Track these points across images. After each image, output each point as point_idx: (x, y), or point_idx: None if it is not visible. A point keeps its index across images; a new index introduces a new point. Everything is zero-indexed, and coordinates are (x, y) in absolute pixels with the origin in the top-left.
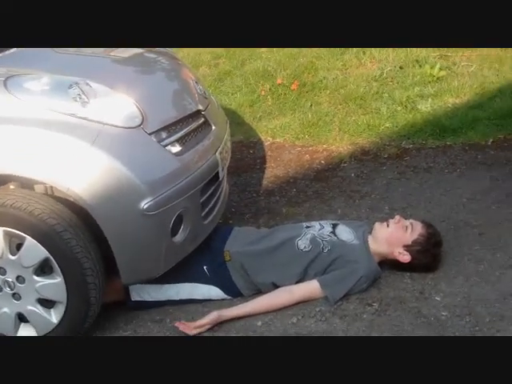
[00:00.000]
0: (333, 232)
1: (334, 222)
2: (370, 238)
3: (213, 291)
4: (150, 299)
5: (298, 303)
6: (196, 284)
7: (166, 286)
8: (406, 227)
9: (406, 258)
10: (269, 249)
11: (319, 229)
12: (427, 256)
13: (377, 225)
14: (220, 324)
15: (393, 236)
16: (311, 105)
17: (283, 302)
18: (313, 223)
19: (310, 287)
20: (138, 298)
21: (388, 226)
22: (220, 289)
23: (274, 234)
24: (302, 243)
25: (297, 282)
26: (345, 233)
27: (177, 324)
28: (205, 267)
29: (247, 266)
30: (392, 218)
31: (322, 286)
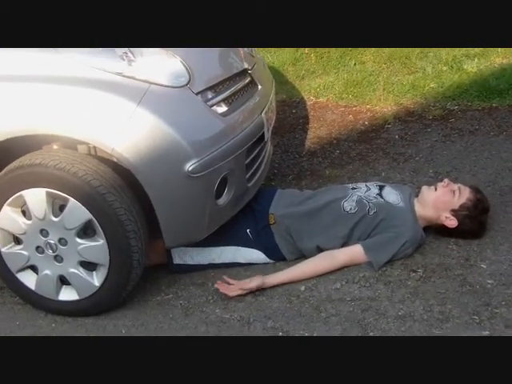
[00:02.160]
0: (379, 194)
1: (380, 183)
2: (416, 202)
3: (255, 255)
4: (192, 262)
5: (341, 268)
6: (239, 247)
7: (209, 248)
8: (454, 191)
9: (452, 222)
10: (313, 210)
11: (365, 190)
12: (474, 222)
13: (424, 188)
14: (262, 289)
15: (440, 200)
16: (355, 63)
17: (326, 267)
18: (359, 184)
19: (354, 251)
20: (180, 262)
21: (436, 189)
22: (263, 252)
23: (318, 195)
24: (348, 205)
25: (341, 246)
26: (391, 195)
27: (217, 285)
28: (248, 230)
29: (292, 229)
30: (440, 182)
31: (365, 251)
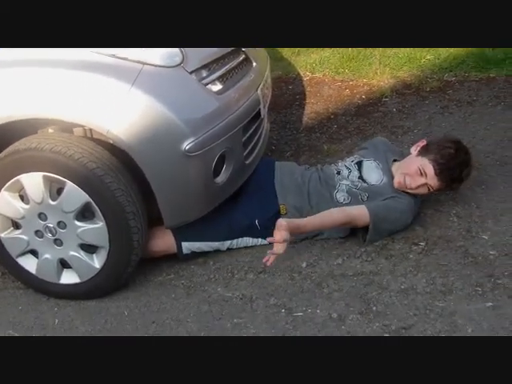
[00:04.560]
0: (360, 177)
1: (357, 160)
2: (393, 167)
3: (260, 241)
4: (200, 251)
5: (342, 243)
6: (247, 238)
7: (218, 242)
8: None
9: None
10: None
11: (348, 174)
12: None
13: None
14: (265, 266)
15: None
16: None
17: (335, 218)
18: (339, 166)
19: (360, 209)
20: (188, 252)
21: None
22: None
23: (312, 186)
24: (341, 196)
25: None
26: (371, 173)
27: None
28: (256, 221)
29: None
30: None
31: (368, 209)
